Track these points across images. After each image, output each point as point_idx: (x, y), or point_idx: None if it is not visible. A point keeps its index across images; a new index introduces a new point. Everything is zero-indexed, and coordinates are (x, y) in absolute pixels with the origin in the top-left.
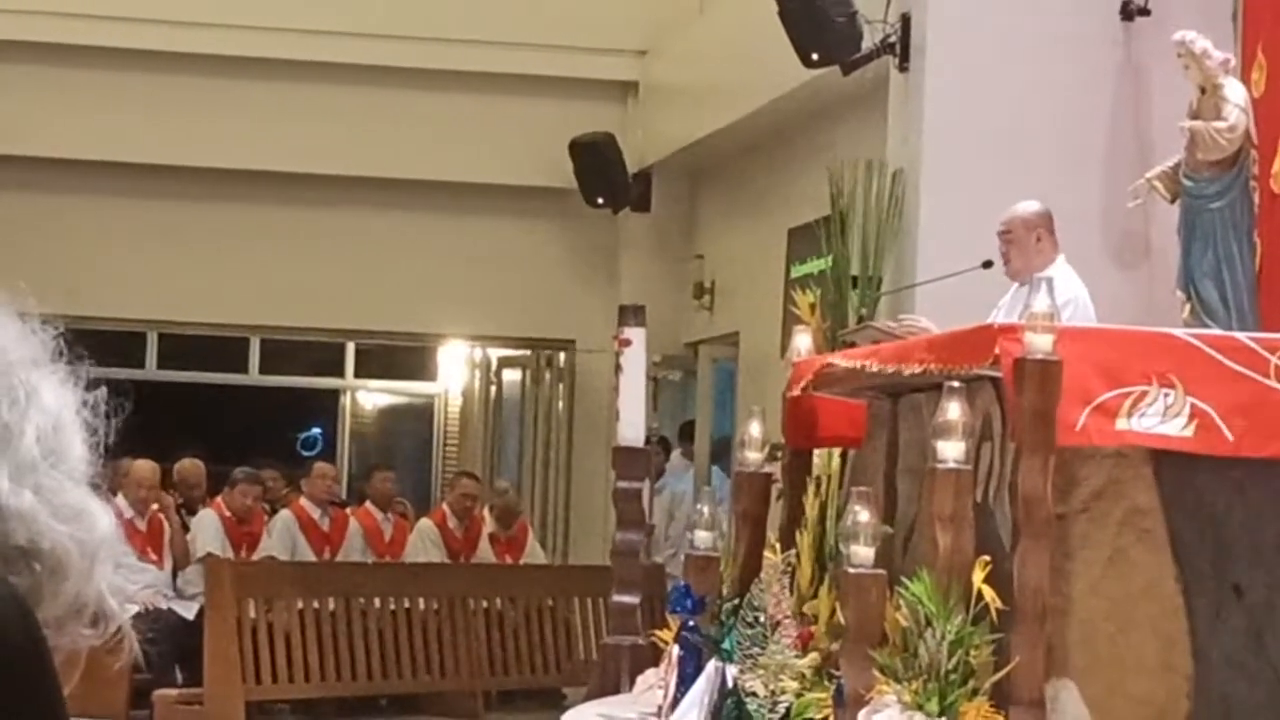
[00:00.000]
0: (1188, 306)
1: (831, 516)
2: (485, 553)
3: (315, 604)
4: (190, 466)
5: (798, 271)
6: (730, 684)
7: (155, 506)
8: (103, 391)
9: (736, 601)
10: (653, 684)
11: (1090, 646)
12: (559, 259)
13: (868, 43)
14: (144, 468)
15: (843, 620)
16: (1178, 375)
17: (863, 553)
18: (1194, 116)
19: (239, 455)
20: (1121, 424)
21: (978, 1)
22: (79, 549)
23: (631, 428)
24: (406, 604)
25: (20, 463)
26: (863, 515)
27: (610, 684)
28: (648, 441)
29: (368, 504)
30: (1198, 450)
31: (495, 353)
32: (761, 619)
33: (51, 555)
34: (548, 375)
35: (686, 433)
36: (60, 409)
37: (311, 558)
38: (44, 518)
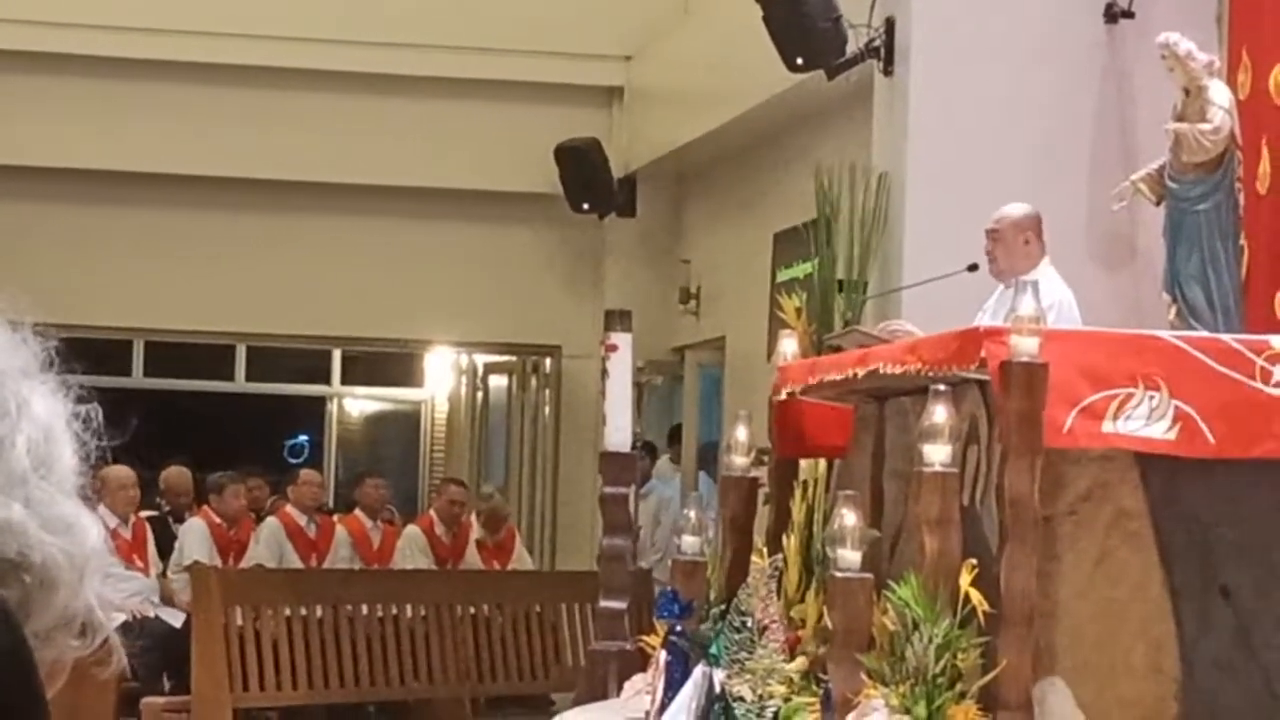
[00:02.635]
0: (1174, 309)
1: (818, 521)
2: (472, 559)
3: (303, 611)
4: (177, 474)
5: (784, 275)
6: (718, 689)
7: (142, 514)
8: (95, 406)
9: (723, 606)
10: (640, 689)
11: (1078, 649)
12: (545, 264)
13: (852, 47)
14: (121, 471)
15: (830, 624)
16: (1163, 377)
17: (850, 556)
18: (1178, 119)
19: (226, 463)
20: (1108, 426)
21: (962, 5)
22: (69, 562)
23: (618, 433)
24: (394, 611)
25: (10, 474)
26: (849, 519)
27: (598, 689)
28: (634, 446)
29: (357, 511)
30: (1179, 453)
31: (481, 359)
32: (749, 623)
33: (42, 568)
34: (534, 381)
35: (673, 437)
36: (51, 420)
37: (299, 565)
38: (34, 530)
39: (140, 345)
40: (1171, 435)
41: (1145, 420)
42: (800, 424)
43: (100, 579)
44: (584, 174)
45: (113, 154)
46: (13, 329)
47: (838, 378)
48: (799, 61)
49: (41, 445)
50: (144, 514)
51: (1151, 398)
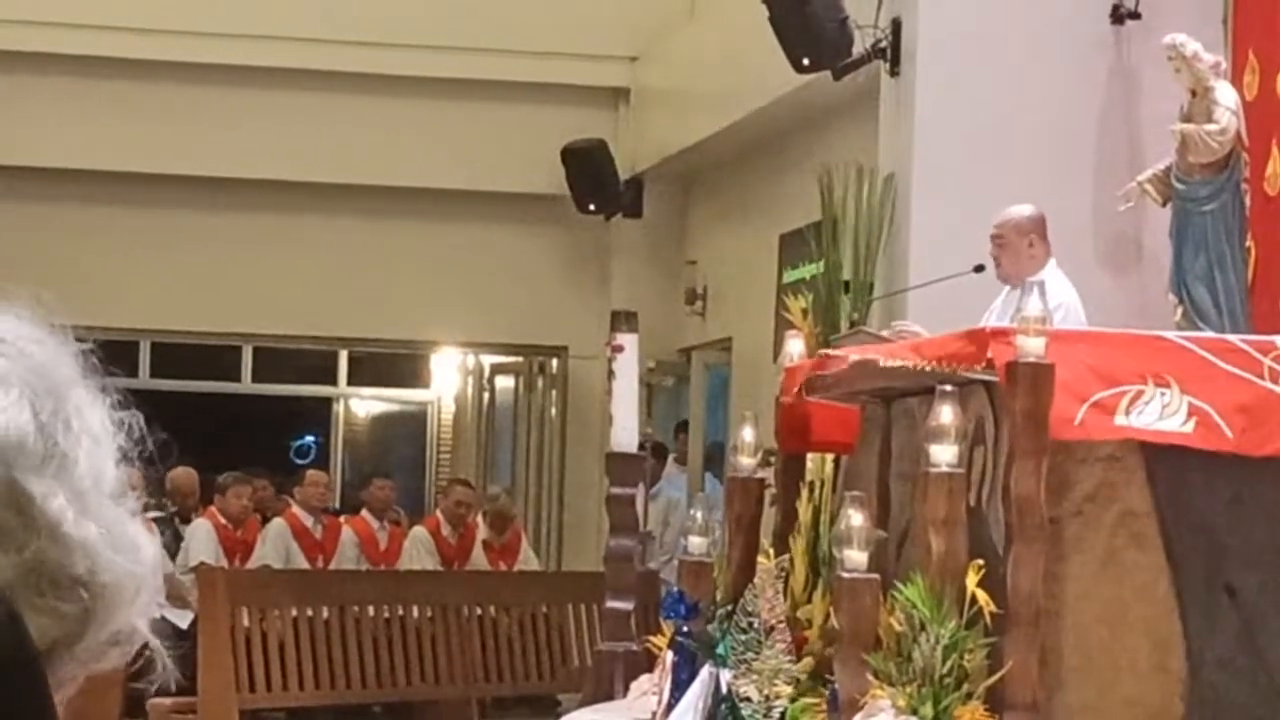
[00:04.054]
0: (1180, 310)
1: (825, 521)
2: (479, 560)
3: (309, 612)
4: (183, 475)
5: (790, 276)
6: (724, 689)
7: (148, 515)
8: (134, 413)
9: (730, 607)
10: (647, 690)
11: (1084, 649)
12: (551, 265)
13: (858, 48)
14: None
15: (836, 625)
16: (1173, 375)
17: (856, 557)
18: (1185, 119)
19: (232, 464)
20: (1120, 420)
21: (968, 6)
22: (131, 581)
23: (624, 433)
24: (400, 612)
25: (78, 491)
26: (856, 520)
27: (604, 690)
28: (641, 447)
29: (364, 512)
30: (1199, 446)
31: (488, 359)
32: (755, 624)
33: (106, 589)
34: (540, 382)
35: (677, 436)
36: (100, 428)
37: (305, 566)
38: (107, 551)
39: (147, 346)
40: (1188, 429)
41: (1158, 415)
42: (806, 424)
43: (149, 594)
44: (590, 175)
45: (119, 155)
46: (53, 331)
47: (844, 379)
48: (805, 62)
49: (96, 458)
50: (150, 515)
51: (1163, 394)
